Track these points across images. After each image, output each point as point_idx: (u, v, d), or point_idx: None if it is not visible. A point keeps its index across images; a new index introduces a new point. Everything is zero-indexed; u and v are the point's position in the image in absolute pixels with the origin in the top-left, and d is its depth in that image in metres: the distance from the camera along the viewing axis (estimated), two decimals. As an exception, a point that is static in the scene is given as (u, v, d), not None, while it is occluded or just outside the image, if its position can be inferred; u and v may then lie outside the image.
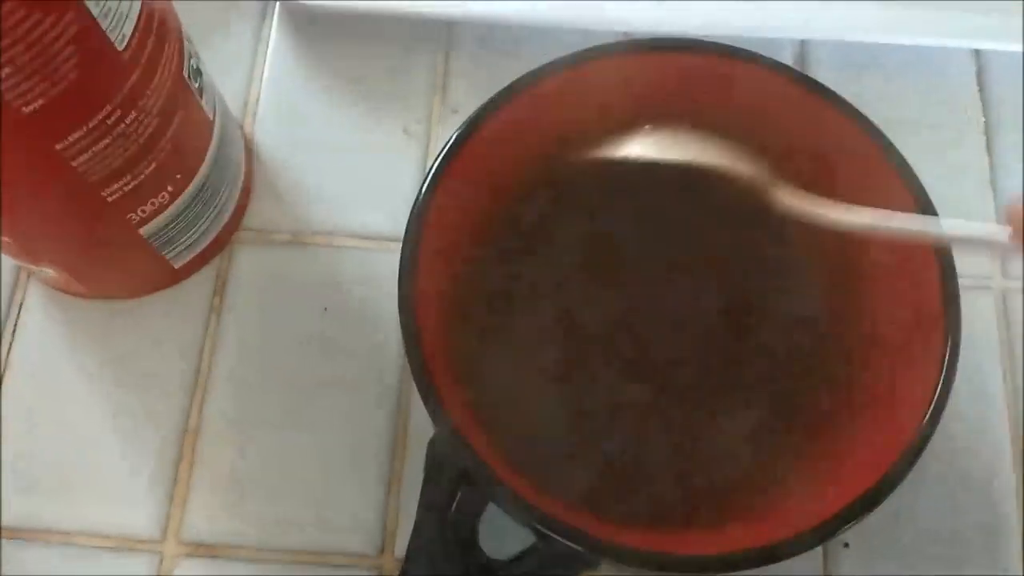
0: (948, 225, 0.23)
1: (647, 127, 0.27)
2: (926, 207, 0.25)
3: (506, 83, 0.27)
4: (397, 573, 0.29)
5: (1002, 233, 0.21)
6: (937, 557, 0.30)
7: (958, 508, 0.30)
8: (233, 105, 0.35)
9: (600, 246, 0.28)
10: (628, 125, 0.27)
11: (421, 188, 0.25)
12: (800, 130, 0.27)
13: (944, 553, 0.30)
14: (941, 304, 0.24)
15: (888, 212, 0.23)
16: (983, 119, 0.36)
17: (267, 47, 0.36)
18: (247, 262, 0.33)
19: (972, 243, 0.23)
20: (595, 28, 0.34)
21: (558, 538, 0.22)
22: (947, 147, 0.35)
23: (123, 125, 0.24)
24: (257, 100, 0.36)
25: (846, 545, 0.30)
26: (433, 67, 0.36)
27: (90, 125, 0.23)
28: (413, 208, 0.25)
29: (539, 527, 0.22)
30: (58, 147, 0.23)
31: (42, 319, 0.32)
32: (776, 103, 0.26)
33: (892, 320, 0.26)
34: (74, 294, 0.32)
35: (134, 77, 0.24)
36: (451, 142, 0.25)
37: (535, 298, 0.27)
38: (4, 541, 0.30)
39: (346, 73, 0.36)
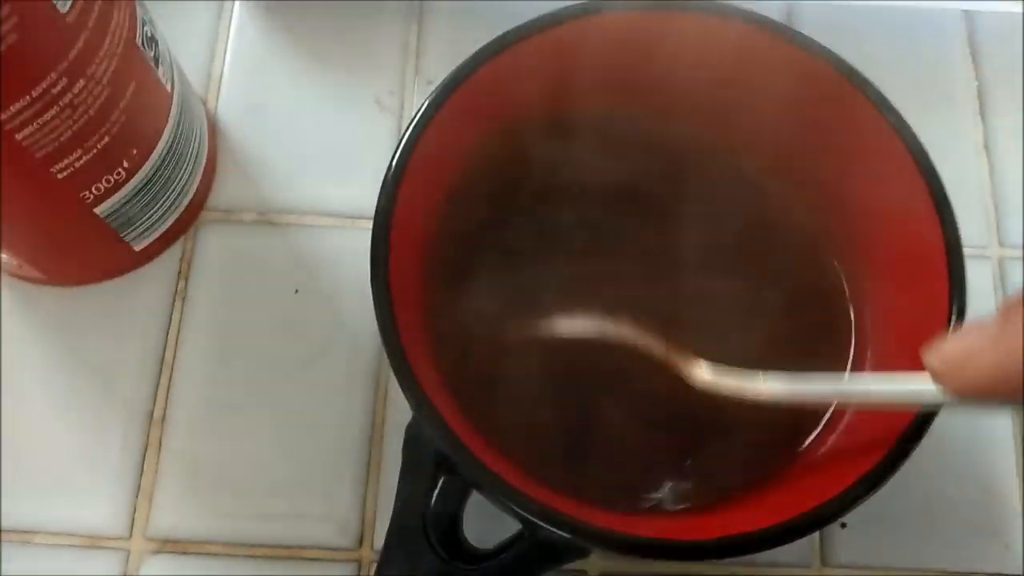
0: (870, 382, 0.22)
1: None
2: (927, 168, 0.24)
3: (471, 54, 0.25)
4: (375, 565, 0.28)
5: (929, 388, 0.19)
6: (935, 536, 0.29)
7: (956, 486, 0.30)
8: (195, 80, 0.33)
9: (575, 218, 0.27)
10: (602, 89, 0.26)
11: (392, 159, 0.23)
12: (788, 90, 0.26)
13: (942, 532, 0.29)
14: (946, 278, 0.22)
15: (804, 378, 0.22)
16: (975, 82, 0.35)
17: (231, 18, 0.35)
18: (212, 243, 0.32)
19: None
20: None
21: (546, 525, 0.21)
22: (940, 111, 0.34)
23: (70, 95, 0.23)
24: (221, 74, 0.34)
25: (843, 525, 0.29)
26: (406, 36, 0.35)
27: (34, 94, 0.22)
28: (384, 181, 0.23)
29: (525, 514, 0.21)
30: (0, 118, 0.22)
31: (-3, 307, 0.31)
32: (762, 61, 0.25)
33: (891, 297, 0.24)
34: (29, 279, 0.30)
35: (80, 42, 0.22)
36: (423, 108, 0.24)
37: (513, 274, 0.26)
38: (-40, 542, 0.28)
39: (314, 44, 0.34)
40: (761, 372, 0.23)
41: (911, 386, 0.20)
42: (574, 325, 0.25)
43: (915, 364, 0.21)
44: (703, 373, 0.23)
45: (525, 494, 0.21)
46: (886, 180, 0.26)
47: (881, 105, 0.25)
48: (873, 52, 0.34)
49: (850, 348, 0.26)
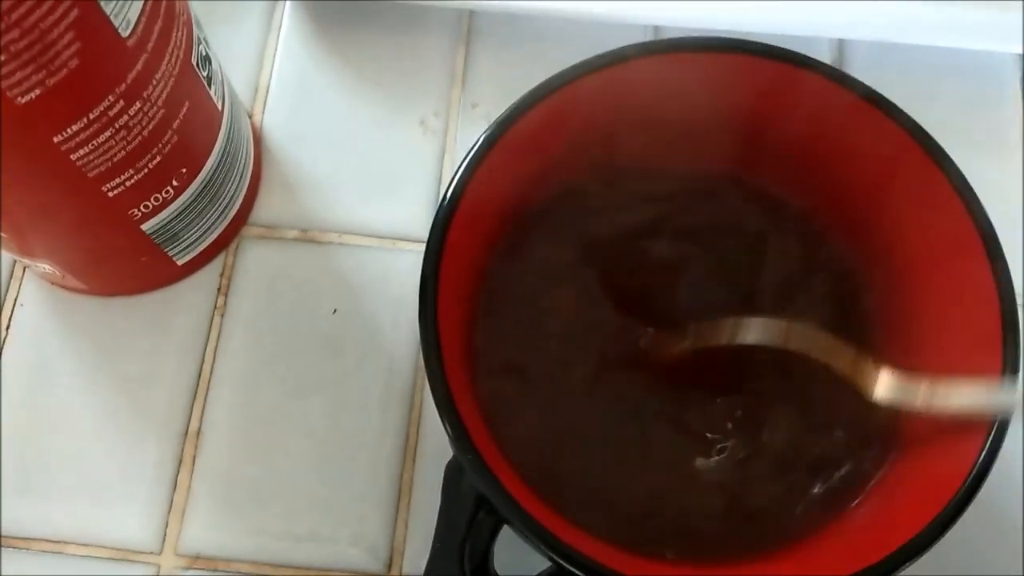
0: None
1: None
2: (978, 212, 0.23)
3: (529, 76, 0.25)
4: None
5: None
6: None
7: (1003, 547, 0.29)
8: (242, 94, 0.34)
9: (626, 256, 0.27)
10: (666, 130, 0.26)
11: (446, 193, 0.23)
12: (856, 147, 0.25)
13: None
14: (999, 323, 0.22)
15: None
16: (1026, 126, 0.34)
17: (279, 34, 0.35)
18: (253, 259, 0.32)
19: None
20: (621, 22, 0.33)
21: (577, 571, 0.20)
22: (988, 154, 0.34)
23: (126, 116, 0.23)
24: (267, 90, 0.34)
25: None
26: (452, 58, 0.35)
27: (90, 116, 0.22)
28: (437, 214, 0.23)
29: (562, 561, 0.20)
30: (56, 140, 0.22)
31: (38, 316, 0.31)
32: (830, 114, 0.25)
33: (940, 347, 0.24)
34: (72, 290, 0.30)
35: (139, 65, 0.22)
36: (481, 143, 0.24)
37: (562, 313, 0.25)
38: (-6, 548, 0.28)
39: (361, 63, 0.34)
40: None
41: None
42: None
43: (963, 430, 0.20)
44: (883, 387, 0.23)
45: (559, 539, 0.21)
46: (934, 225, 0.25)
47: (931, 149, 0.24)
48: (923, 92, 0.34)
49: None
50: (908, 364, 0.23)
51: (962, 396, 0.22)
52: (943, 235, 0.25)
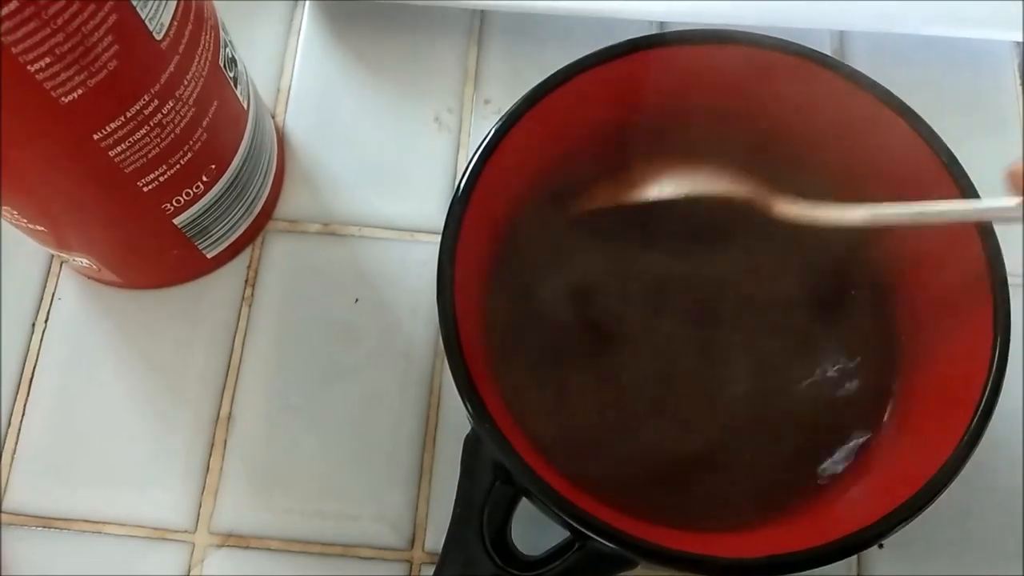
0: (962, 205, 0.23)
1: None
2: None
3: (540, 73, 0.26)
4: (426, 566, 0.29)
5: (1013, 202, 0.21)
6: (974, 556, 0.30)
7: (997, 508, 0.30)
8: (265, 95, 0.35)
9: (644, 243, 0.28)
10: (673, 119, 0.27)
11: (460, 182, 0.24)
12: (835, 122, 0.26)
13: (982, 553, 0.30)
14: (990, 299, 0.23)
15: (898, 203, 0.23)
16: (1023, 113, 0.35)
17: (299, 37, 0.36)
18: (279, 252, 0.33)
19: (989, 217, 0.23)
20: (627, 18, 0.34)
21: (596, 537, 0.21)
22: (986, 141, 0.34)
23: (160, 115, 0.24)
24: (288, 90, 0.35)
25: (880, 546, 0.30)
26: (465, 56, 0.36)
27: (128, 115, 0.23)
28: (452, 201, 0.24)
29: (575, 524, 0.22)
30: (96, 137, 0.23)
31: (75, 308, 0.32)
32: (827, 101, 0.26)
33: (937, 316, 0.25)
34: (107, 283, 0.32)
35: (171, 66, 0.24)
36: (492, 134, 0.25)
37: (575, 292, 0.27)
38: (35, 529, 0.30)
39: (377, 62, 0.36)
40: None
41: (993, 203, 0.22)
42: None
43: (958, 389, 0.21)
44: (790, 208, 0.25)
45: (575, 505, 0.22)
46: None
47: (927, 135, 0.25)
48: (922, 80, 0.35)
49: (893, 381, 0.26)
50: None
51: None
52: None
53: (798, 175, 0.27)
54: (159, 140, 0.25)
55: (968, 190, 0.25)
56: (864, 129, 0.27)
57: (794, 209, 0.25)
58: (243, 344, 0.32)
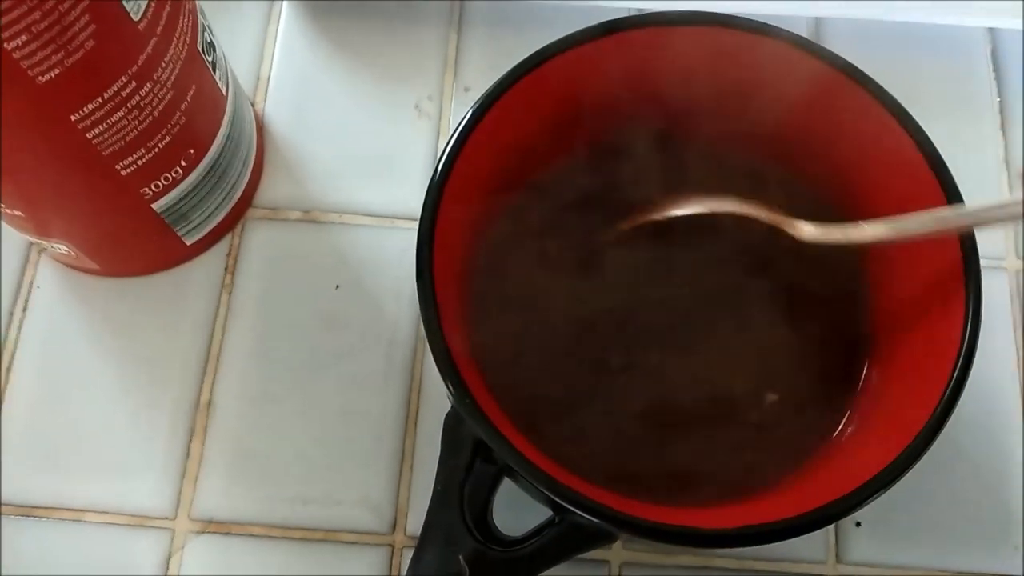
0: (967, 208, 0.23)
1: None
2: (944, 178, 0.25)
3: (519, 60, 0.26)
4: (407, 550, 0.29)
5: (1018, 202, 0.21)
6: (948, 537, 0.30)
7: (971, 489, 0.30)
8: (244, 82, 0.35)
9: (617, 224, 0.28)
10: (649, 100, 0.27)
11: (438, 165, 0.25)
12: (821, 111, 0.27)
13: (953, 534, 0.30)
14: (962, 278, 0.23)
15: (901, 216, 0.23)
16: (998, 98, 0.36)
17: (278, 24, 0.36)
18: (258, 239, 0.33)
19: (994, 219, 0.23)
20: (606, 5, 0.34)
21: (575, 509, 0.22)
22: (961, 125, 0.35)
23: (138, 97, 0.24)
24: (268, 77, 0.35)
25: (858, 524, 0.30)
26: (445, 44, 0.36)
27: (105, 96, 0.23)
28: (430, 184, 0.24)
29: (554, 497, 0.22)
30: (73, 118, 0.23)
31: (53, 296, 0.32)
32: (798, 81, 0.26)
33: (911, 296, 0.25)
34: (86, 271, 0.32)
35: (149, 48, 0.24)
36: (468, 117, 0.25)
37: (552, 271, 0.27)
38: (15, 519, 0.29)
39: (357, 50, 0.36)
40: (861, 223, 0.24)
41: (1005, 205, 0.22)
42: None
43: (931, 364, 0.22)
44: (807, 229, 0.25)
45: (554, 478, 0.22)
46: (902, 192, 0.26)
47: (898, 114, 0.26)
48: (897, 66, 0.35)
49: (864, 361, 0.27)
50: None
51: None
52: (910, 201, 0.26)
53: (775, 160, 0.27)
54: (137, 123, 0.25)
55: (945, 180, 0.25)
56: (837, 108, 0.27)
57: (804, 229, 0.25)
58: (224, 331, 0.32)
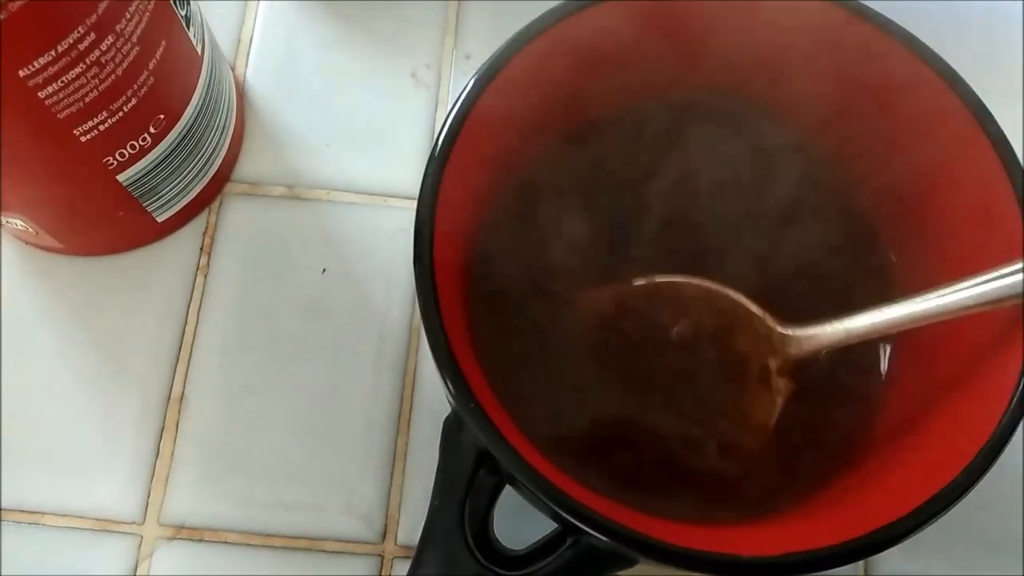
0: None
1: None
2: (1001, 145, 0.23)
3: (523, 27, 0.24)
4: (399, 560, 0.27)
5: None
6: (982, 547, 0.28)
7: (1006, 499, 0.29)
8: (224, 45, 0.32)
9: (625, 205, 0.26)
10: (654, 70, 0.25)
11: (438, 138, 0.22)
12: (857, 66, 0.24)
13: (990, 543, 0.28)
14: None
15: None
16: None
17: (262, -19, 0.33)
18: (238, 217, 0.31)
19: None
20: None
21: (592, 532, 0.19)
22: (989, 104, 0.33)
23: (98, 51, 0.22)
24: (250, 40, 0.33)
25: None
26: (444, 7, 0.34)
27: (59, 49, 0.21)
28: (430, 159, 0.22)
29: (571, 518, 0.19)
30: (22, 74, 0.21)
31: (11, 277, 0.30)
32: (826, 37, 0.24)
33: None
34: (47, 249, 0.29)
35: (110, -5, 0.21)
36: (471, 86, 0.23)
37: (564, 258, 0.24)
38: (-34, 520, 0.27)
39: (349, 12, 0.33)
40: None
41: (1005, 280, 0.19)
42: (621, 320, 0.24)
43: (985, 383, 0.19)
44: (790, 330, 0.23)
45: (569, 495, 0.20)
46: (952, 156, 0.24)
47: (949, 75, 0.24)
48: (934, 42, 0.33)
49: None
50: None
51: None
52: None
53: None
54: (97, 82, 0.22)
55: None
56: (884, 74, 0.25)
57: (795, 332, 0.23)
58: (198, 317, 0.29)
